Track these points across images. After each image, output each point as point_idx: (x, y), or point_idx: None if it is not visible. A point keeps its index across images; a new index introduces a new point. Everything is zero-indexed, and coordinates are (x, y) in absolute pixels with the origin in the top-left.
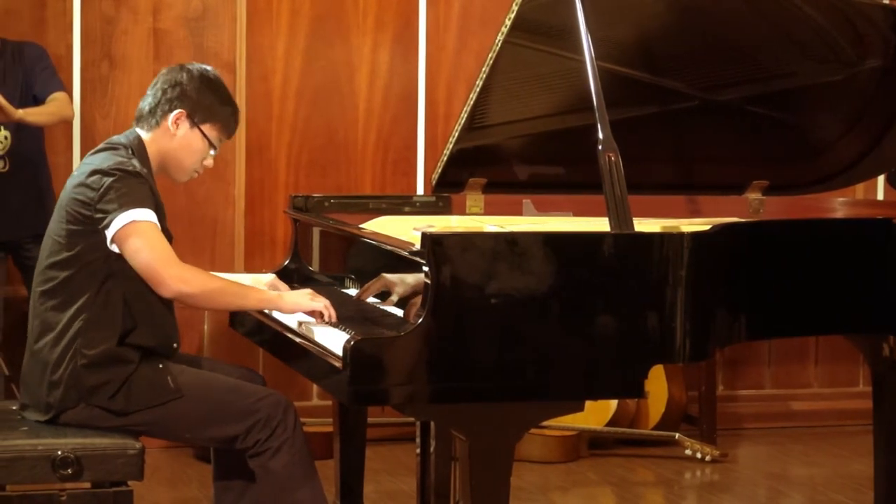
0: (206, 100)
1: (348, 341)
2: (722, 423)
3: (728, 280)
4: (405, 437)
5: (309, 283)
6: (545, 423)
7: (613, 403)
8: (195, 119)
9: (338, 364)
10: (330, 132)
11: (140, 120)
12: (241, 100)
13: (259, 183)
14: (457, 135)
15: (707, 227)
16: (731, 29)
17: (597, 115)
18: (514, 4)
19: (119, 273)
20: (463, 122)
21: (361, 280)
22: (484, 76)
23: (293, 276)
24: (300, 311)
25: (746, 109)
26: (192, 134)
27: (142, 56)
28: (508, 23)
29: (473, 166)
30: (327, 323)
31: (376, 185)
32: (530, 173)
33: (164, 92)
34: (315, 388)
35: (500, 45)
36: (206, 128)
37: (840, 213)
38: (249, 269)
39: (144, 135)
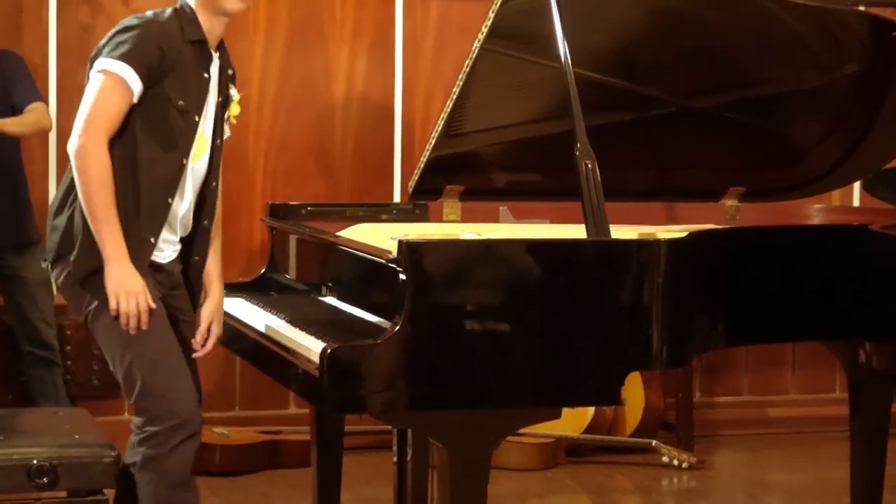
0: None
1: (325, 349)
2: (699, 429)
3: (705, 287)
4: (382, 445)
5: (286, 292)
6: (522, 431)
7: (590, 410)
8: None
9: (315, 372)
10: (307, 140)
11: None
12: None
13: (236, 192)
14: (434, 142)
15: (684, 234)
16: (709, 36)
17: (574, 122)
18: (490, 12)
19: (122, 133)
20: (440, 129)
21: (338, 288)
22: (461, 83)
23: (270, 285)
24: (113, 296)
25: (723, 116)
26: None
27: None
28: (485, 30)
29: (450, 173)
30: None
31: (354, 193)
32: (507, 180)
33: None
34: (292, 396)
35: (477, 52)
36: None
37: (816, 220)
38: (227, 277)
39: None
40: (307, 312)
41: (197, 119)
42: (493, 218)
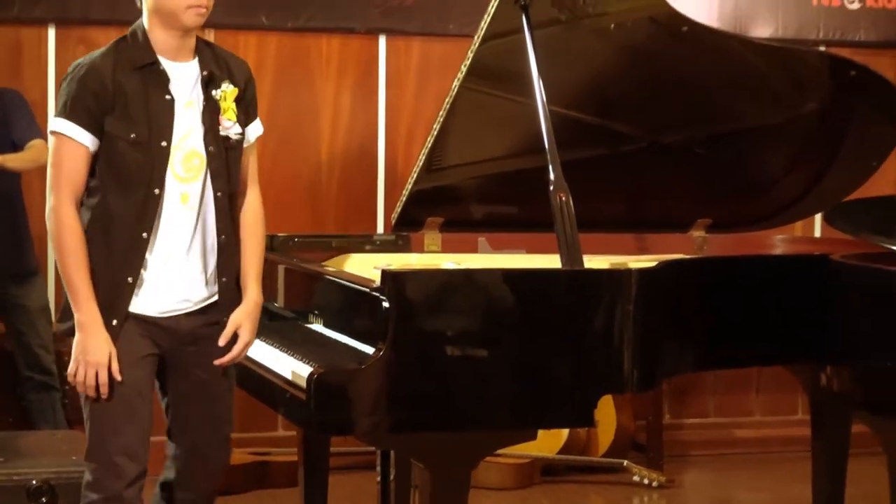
0: None
1: (312, 374)
2: (668, 450)
3: (674, 314)
4: (366, 466)
5: (275, 319)
6: (500, 451)
7: (565, 432)
8: None
9: (302, 396)
10: (294, 173)
11: (137, 3)
12: None
13: None
14: (415, 176)
15: (654, 264)
16: (678, 74)
17: (548, 156)
18: (469, 52)
19: (89, 183)
20: (421, 163)
21: (325, 316)
22: (441, 120)
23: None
24: (73, 362)
25: (691, 150)
26: None
27: None
28: (465, 69)
29: (431, 206)
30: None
31: (339, 225)
32: (485, 212)
33: None
34: (280, 419)
35: (456, 90)
36: None
37: (779, 250)
38: None
39: (144, 15)
40: (295, 339)
41: (165, 145)
42: (472, 248)
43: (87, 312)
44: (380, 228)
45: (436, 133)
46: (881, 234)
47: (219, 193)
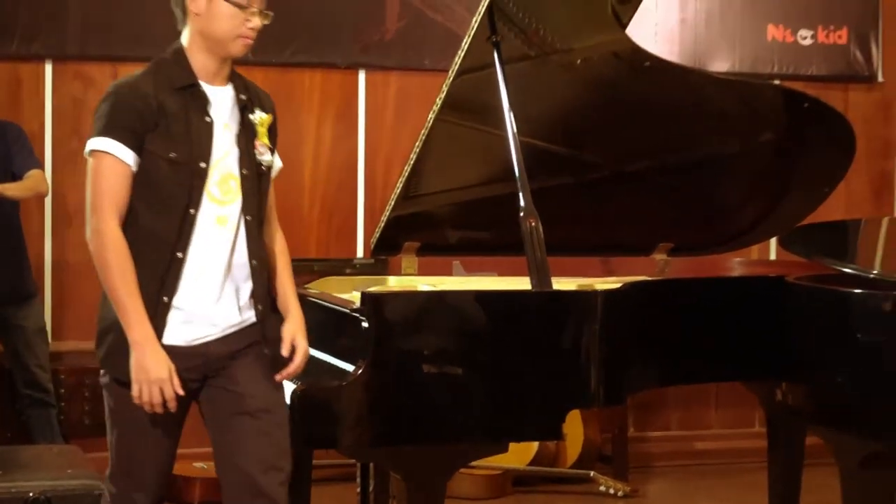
0: None
1: (295, 390)
2: (633, 461)
3: (638, 333)
4: (347, 477)
5: None
6: (473, 463)
7: (535, 445)
8: None
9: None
10: (278, 200)
11: (178, 26)
12: None
13: None
14: (393, 203)
15: (619, 285)
16: (641, 106)
17: (519, 184)
18: (444, 85)
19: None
20: (399, 191)
21: (308, 335)
22: (417, 150)
23: None
24: (136, 383)
25: (654, 178)
26: (214, 5)
27: None
28: (440, 102)
29: (408, 231)
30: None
31: (321, 249)
32: (459, 237)
33: None
34: None
35: (432, 121)
36: None
37: (738, 272)
38: None
39: (184, 38)
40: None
41: (203, 166)
42: (447, 271)
43: (140, 331)
44: (359, 253)
45: (412, 162)
46: (833, 257)
47: (249, 217)
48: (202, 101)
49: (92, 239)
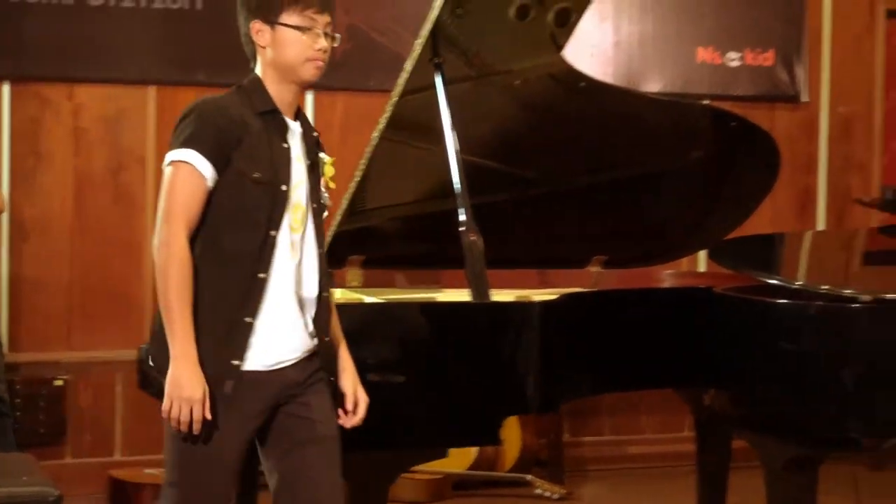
0: None
1: None
2: (568, 465)
3: (573, 342)
4: None
5: None
6: (415, 468)
7: (475, 449)
8: (269, 19)
9: None
10: None
11: (251, 63)
12: (152, 191)
13: None
14: (339, 218)
15: (555, 297)
16: (577, 125)
17: (459, 200)
18: (388, 105)
19: (202, 224)
20: (345, 207)
21: None
22: (363, 167)
23: None
24: (167, 398)
25: (590, 194)
26: (277, 33)
27: (65, 151)
28: (384, 121)
29: (354, 245)
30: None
31: None
32: (403, 251)
33: (239, 23)
34: None
35: (376, 140)
36: (284, 17)
37: (668, 283)
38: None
39: (258, 69)
40: None
41: (285, 189)
42: (391, 283)
43: (183, 347)
44: None
45: (358, 179)
46: (759, 269)
47: (321, 250)
48: (282, 128)
49: (159, 249)
